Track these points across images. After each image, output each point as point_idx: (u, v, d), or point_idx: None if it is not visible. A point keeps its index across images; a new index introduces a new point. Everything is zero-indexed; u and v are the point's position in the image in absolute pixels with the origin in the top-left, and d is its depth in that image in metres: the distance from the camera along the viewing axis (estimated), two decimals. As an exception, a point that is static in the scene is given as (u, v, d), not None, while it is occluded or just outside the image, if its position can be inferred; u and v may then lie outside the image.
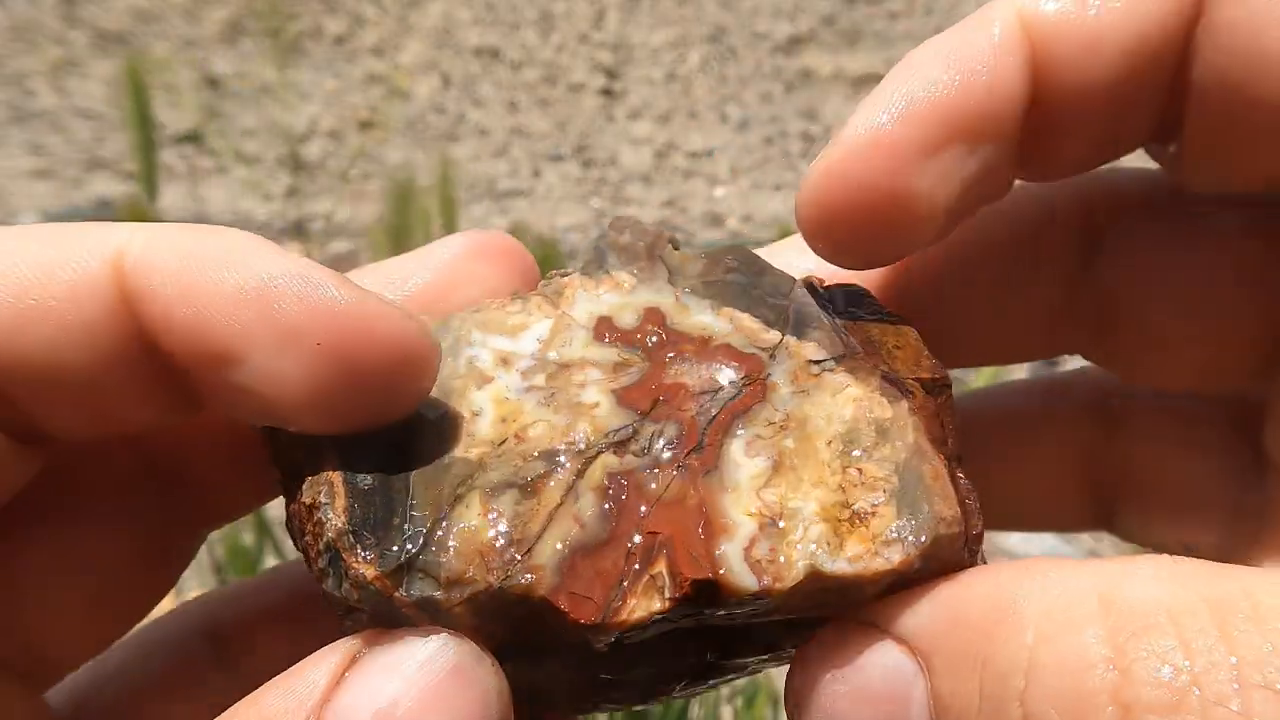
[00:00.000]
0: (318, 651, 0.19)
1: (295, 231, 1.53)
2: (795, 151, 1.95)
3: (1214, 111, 0.20)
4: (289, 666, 0.28)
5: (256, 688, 0.27)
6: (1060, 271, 0.25)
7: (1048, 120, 0.21)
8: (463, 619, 0.19)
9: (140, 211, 0.62)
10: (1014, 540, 1.18)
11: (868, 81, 2.14)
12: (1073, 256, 0.25)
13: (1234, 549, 0.25)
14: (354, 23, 2.04)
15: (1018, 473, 0.28)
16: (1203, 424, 0.25)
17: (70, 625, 0.23)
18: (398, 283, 0.24)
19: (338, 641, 0.19)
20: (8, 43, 1.84)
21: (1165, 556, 0.16)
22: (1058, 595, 0.16)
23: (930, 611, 0.18)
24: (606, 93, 2.02)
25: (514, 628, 0.20)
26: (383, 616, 0.20)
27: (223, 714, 0.18)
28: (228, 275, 0.19)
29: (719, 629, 0.21)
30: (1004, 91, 0.20)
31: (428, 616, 0.19)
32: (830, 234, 0.22)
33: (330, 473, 0.20)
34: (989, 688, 0.16)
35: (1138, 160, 0.24)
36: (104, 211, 1.52)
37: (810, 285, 0.24)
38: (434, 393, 0.21)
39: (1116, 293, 0.24)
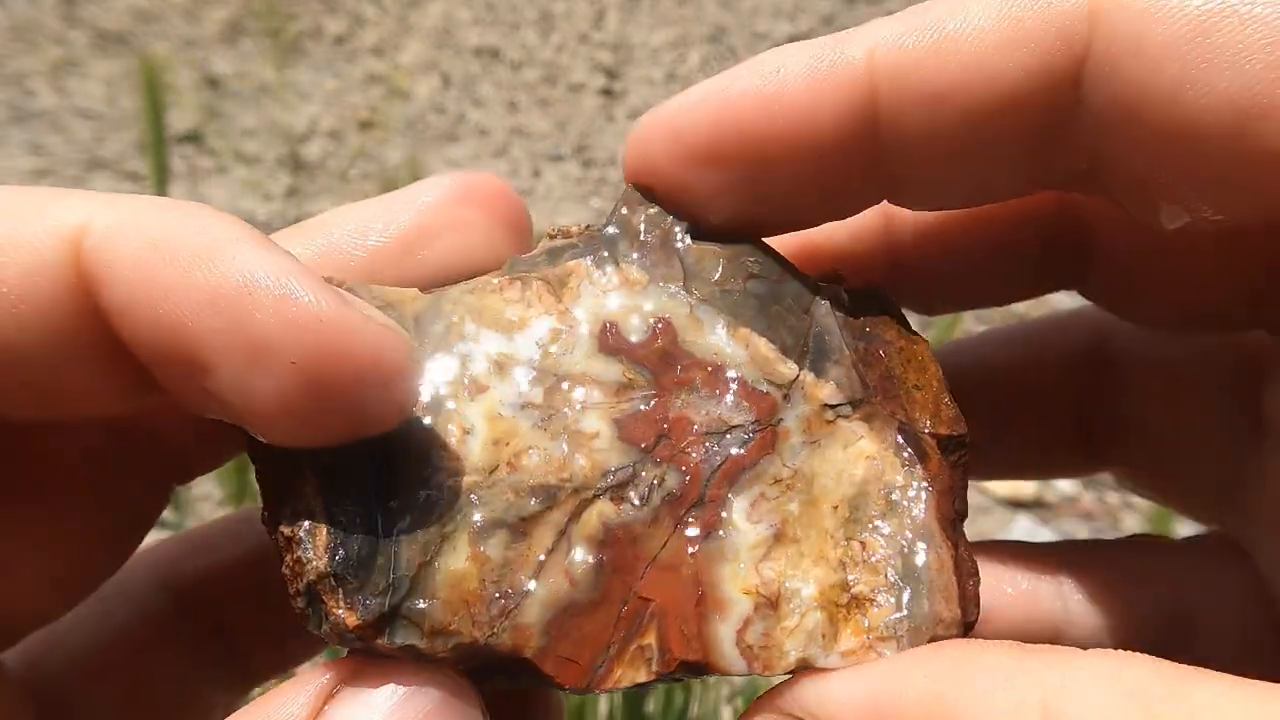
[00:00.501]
0: (292, 681, 0.18)
1: (295, 231, 1.53)
2: (795, 151, 1.95)
3: (1122, 151, 0.19)
4: (252, 621, 0.27)
5: (219, 647, 0.26)
6: (1046, 216, 0.24)
7: (896, 160, 0.20)
8: (446, 661, 0.19)
9: None
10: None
11: (868, 81, 2.14)
12: (1055, 203, 0.24)
13: (1229, 513, 0.25)
14: (354, 23, 2.04)
15: (1008, 423, 0.27)
16: (1201, 380, 0.25)
17: (33, 591, 0.22)
18: (378, 226, 0.22)
19: (313, 672, 0.18)
20: (8, 43, 1.84)
21: (1113, 655, 0.15)
22: (998, 700, 0.15)
23: (854, 704, 0.17)
24: (606, 93, 2.02)
25: (496, 664, 0.19)
26: (364, 652, 0.19)
27: None
28: (198, 274, 0.17)
29: None
30: (816, 122, 0.20)
31: (411, 659, 0.19)
32: (640, 184, 0.22)
33: (310, 499, 0.19)
34: None
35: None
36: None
37: (833, 293, 0.22)
38: (424, 396, 0.20)
39: (1097, 228, 0.23)
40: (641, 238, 0.22)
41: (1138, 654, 0.15)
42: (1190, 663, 0.15)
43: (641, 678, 0.19)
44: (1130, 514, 1.18)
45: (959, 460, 0.21)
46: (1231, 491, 0.25)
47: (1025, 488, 1.24)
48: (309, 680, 0.18)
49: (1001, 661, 0.16)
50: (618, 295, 0.21)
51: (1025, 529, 1.18)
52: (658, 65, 2.08)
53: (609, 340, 0.21)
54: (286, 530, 0.19)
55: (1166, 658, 0.15)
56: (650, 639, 0.19)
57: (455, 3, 2.11)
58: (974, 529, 1.20)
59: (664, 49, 2.10)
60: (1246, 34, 0.16)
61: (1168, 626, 0.24)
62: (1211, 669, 0.15)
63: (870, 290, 0.23)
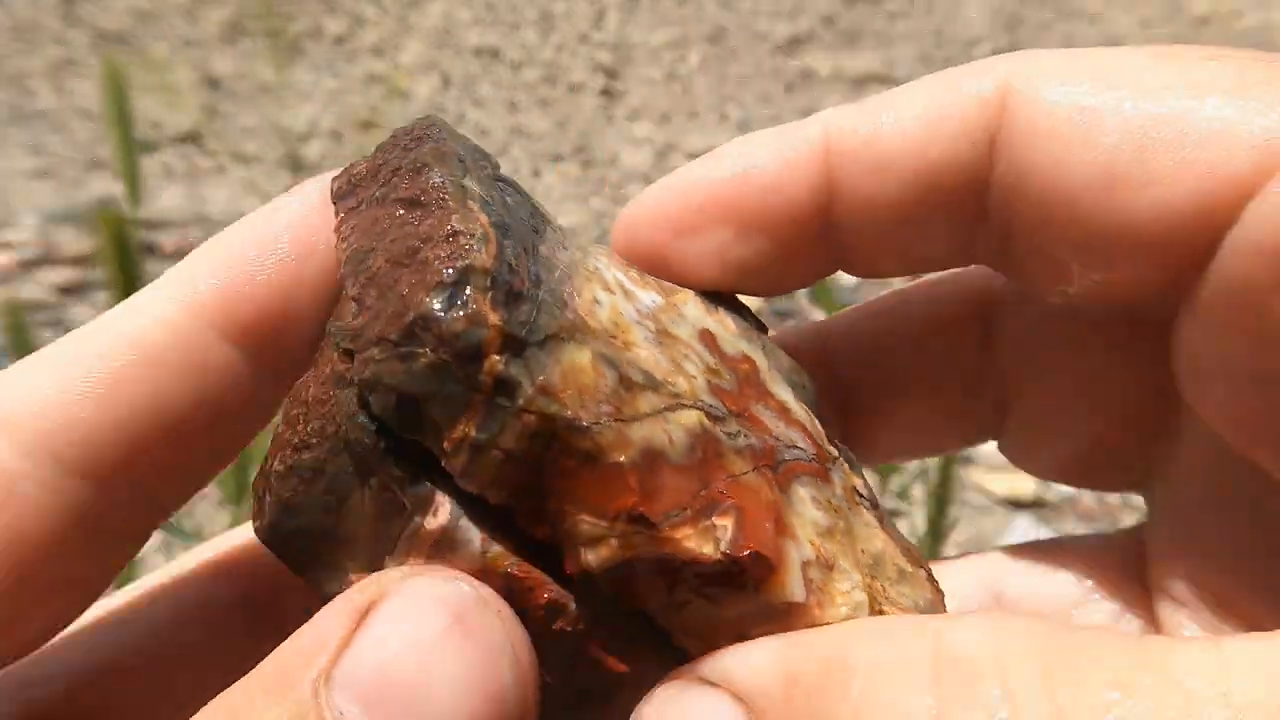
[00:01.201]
0: (338, 598, 0.18)
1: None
2: (795, 151, 1.95)
3: (1020, 222, 0.22)
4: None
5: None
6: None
7: (848, 229, 0.23)
8: (506, 445, 0.18)
9: (118, 217, 0.61)
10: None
11: (867, 81, 2.14)
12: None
13: (1149, 502, 0.25)
14: (354, 23, 2.04)
15: (902, 404, 0.28)
16: (1101, 349, 0.25)
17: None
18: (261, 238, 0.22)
19: (359, 584, 0.18)
20: (8, 43, 1.84)
21: (997, 612, 0.17)
22: (886, 649, 0.16)
23: (769, 669, 0.18)
24: (606, 93, 2.02)
25: (528, 493, 0.19)
26: (411, 397, 0.18)
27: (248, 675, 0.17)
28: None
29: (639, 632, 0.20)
30: (784, 194, 0.23)
31: (477, 423, 0.18)
32: (625, 255, 0.24)
33: (486, 227, 0.19)
34: None
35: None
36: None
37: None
38: (560, 268, 0.20)
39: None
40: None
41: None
42: None
43: (706, 550, 0.18)
44: (1130, 513, 1.18)
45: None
46: (1144, 479, 0.25)
47: (1025, 488, 1.24)
48: (346, 599, 0.18)
49: (898, 621, 0.18)
50: (715, 324, 0.23)
51: (1024, 529, 1.18)
52: (658, 65, 2.08)
53: (707, 339, 0.23)
54: (459, 225, 0.19)
55: None
56: (728, 522, 0.19)
57: (455, 3, 2.11)
58: (973, 528, 1.20)
59: (664, 49, 2.10)
60: (1108, 122, 0.20)
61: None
62: None
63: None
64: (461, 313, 0.18)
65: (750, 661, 0.18)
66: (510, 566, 0.19)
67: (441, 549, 0.19)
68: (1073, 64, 0.21)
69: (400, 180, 0.21)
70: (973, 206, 0.22)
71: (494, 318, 0.18)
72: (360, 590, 0.18)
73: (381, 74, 1.97)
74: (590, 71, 2.05)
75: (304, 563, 0.19)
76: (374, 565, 0.19)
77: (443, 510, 0.19)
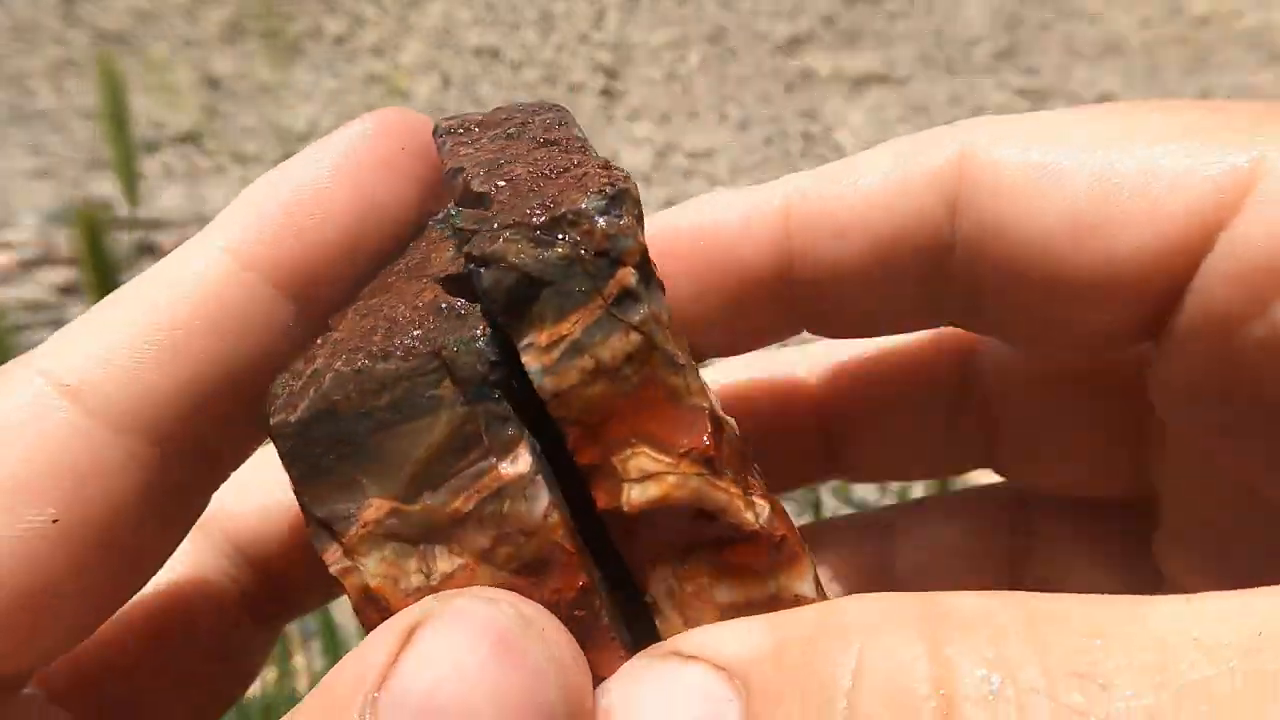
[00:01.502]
0: (385, 623, 0.17)
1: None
2: (795, 151, 1.95)
3: (989, 283, 0.22)
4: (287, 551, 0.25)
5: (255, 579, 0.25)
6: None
7: (810, 291, 0.24)
8: (602, 356, 0.18)
9: (105, 218, 0.61)
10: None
11: (868, 81, 2.14)
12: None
13: (1155, 505, 0.26)
14: (354, 23, 2.04)
15: (887, 432, 0.29)
16: (1080, 376, 0.26)
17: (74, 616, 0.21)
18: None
19: (402, 611, 0.18)
20: (8, 43, 1.84)
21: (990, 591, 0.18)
22: (881, 605, 0.16)
23: (754, 639, 0.17)
24: (606, 93, 2.02)
25: (592, 413, 0.18)
26: (533, 280, 0.18)
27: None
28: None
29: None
30: (741, 253, 0.24)
31: (585, 325, 0.18)
32: None
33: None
34: (812, 696, 0.16)
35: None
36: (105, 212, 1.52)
37: None
38: None
39: None
40: None
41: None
42: None
43: (749, 517, 0.18)
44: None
45: None
46: (1127, 466, 0.26)
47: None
48: (390, 625, 0.17)
49: (889, 594, 0.18)
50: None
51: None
52: (658, 65, 2.08)
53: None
54: (608, 164, 0.19)
55: None
56: (766, 506, 0.19)
57: (455, 3, 2.11)
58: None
59: (664, 49, 2.10)
60: (1071, 173, 0.21)
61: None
62: None
63: None
64: (617, 220, 0.18)
65: (733, 633, 0.18)
66: (562, 539, 0.18)
67: (503, 497, 0.18)
68: (1026, 125, 0.22)
69: (532, 131, 0.21)
70: (936, 269, 0.23)
71: (641, 237, 0.18)
72: (404, 615, 0.17)
73: (381, 74, 1.97)
74: (590, 71, 2.05)
75: (315, 472, 0.18)
76: (404, 496, 0.18)
77: (523, 460, 0.18)
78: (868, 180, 0.23)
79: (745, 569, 0.19)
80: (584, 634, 0.18)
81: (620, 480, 0.18)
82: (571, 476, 0.19)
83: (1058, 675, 0.14)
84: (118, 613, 0.21)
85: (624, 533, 0.19)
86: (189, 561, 0.25)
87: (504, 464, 0.18)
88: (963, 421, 0.28)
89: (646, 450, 0.18)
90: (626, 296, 0.18)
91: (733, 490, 0.18)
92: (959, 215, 0.22)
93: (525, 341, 0.18)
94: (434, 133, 0.22)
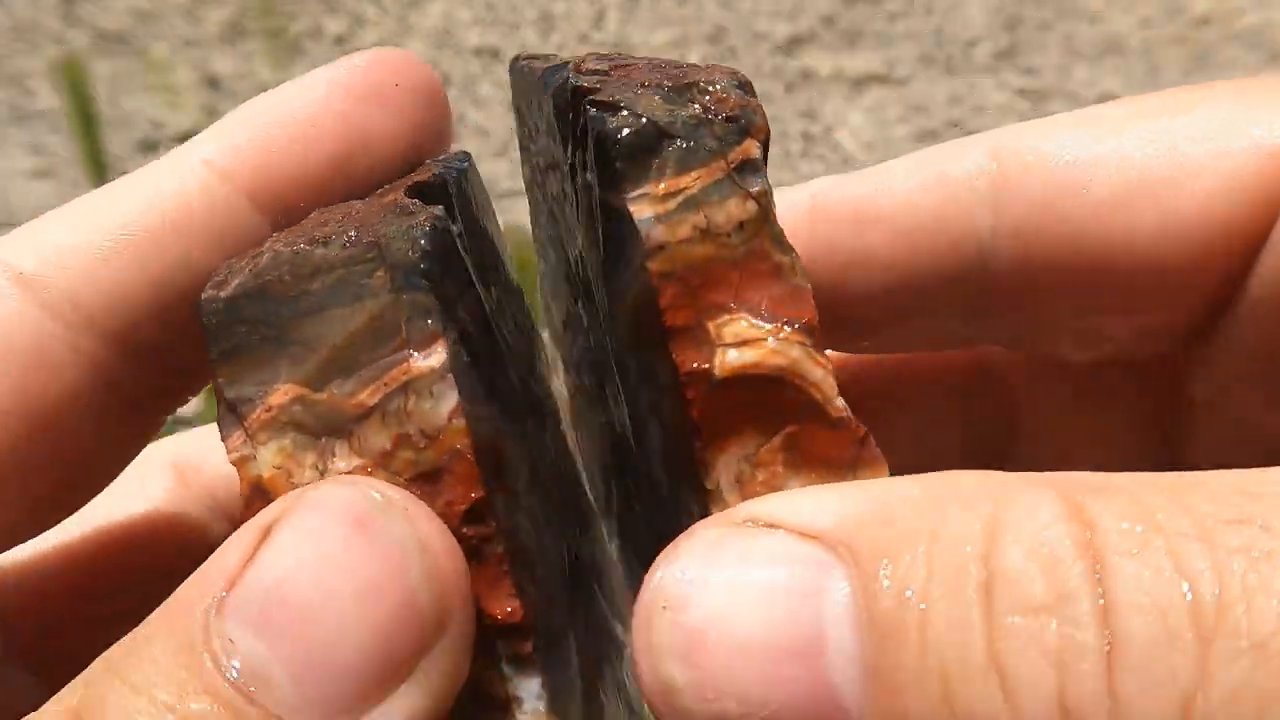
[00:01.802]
0: (245, 524, 0.16)
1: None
2: (795, 151, 1.94)
3: (1036, 287, 0.22)
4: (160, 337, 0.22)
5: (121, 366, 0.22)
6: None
7: (829, 298, 0.23)
8: (716, 218, 0.18)
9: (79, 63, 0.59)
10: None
11: (868, 81, 2.14)
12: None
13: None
14: (354, 23, 2.04)
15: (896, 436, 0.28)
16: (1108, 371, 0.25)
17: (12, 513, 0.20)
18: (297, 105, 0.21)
19: (263, 510, 0.16)
20: (8, 43, 1.84)
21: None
22: (1002, 474, 0.15)
23: (845, 503, 0.15)
24: (606, 93, 2.02)
25: (690, 275, 0.18)
26: (660, 132, 0.18)
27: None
28: None
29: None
30: None
31: (704, 184, 0.18)
32: None
33: None
34: (941, 556, 0.13)
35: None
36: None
37: None
38: None
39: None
40: None
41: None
42: None
43: (839, 403, 0.18)
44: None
45: None
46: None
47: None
48: (251, 522, 0.16)
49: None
50: None
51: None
52: (658, 65, 2.08)
53: None
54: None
55: None
56: (844, 405, 0.18)
57: (455, 3, 2.11)
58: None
59: (664, 49, 2.10)
60: (1107, 161, 0.20)
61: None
62: None
63: None
64: (748, 98, 0.18)
65: (816, 500, 0.15)
66: (464, 448, 0.17)
67: (408, 392, 0.17)
68: (1060, 119, 0.21)
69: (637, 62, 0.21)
70: (973, 272, 0.22)
71: (765, 124, 0.18)
72: (264, 513, 0.16)
73: (381, 74, 1.97)
74: (590, 71, 2.05)
75: (235, 350, 0.17)
76: (314, 382, 0.17)
77: (436, 355, 0.17)
78: (900, 179, 0.22)
79: (825, 461, 0.17)
80: (469, 558, 0.17)
81: (714, 345, 0.18)
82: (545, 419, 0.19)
83: (1210, 524, 0.13)
84: (93, 570, 0.21)
85: (700, 410, 0.18)
86: (168, 514, 0.25)
87: (417, 357, 0.17)
88: (979, 406, 0.27)
89: (746, 316, 0.18)
90: (748, 166, 0.18)
91: (830, 369, 0.18)
92: (998, 216, 0.21)
93: (639, 191, 0.18)
94: (513, 61, 0.22)
